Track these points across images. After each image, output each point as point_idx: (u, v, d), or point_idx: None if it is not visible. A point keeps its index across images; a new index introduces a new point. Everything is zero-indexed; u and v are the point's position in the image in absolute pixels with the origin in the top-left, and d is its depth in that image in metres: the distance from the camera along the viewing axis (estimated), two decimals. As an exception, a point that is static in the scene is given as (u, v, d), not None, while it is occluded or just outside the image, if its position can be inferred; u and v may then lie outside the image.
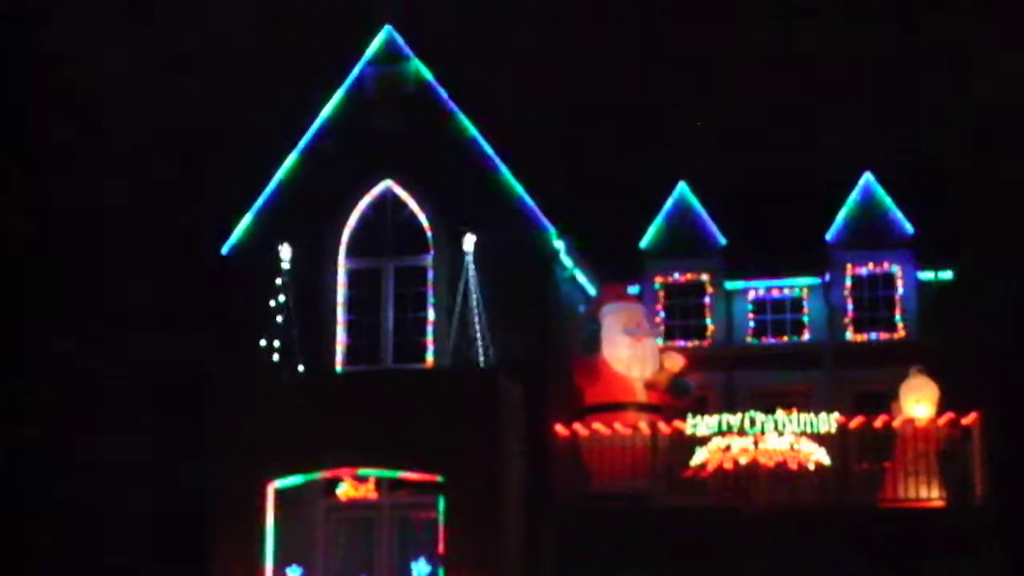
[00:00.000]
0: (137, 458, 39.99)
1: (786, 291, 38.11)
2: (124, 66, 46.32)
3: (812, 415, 30.06)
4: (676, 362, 33.63)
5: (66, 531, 38.85)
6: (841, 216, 37.86)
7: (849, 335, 37.22)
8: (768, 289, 38.15)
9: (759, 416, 30.06)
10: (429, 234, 32.32)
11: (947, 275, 37.40)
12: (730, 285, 38.11)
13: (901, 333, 36.97)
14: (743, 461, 29.71)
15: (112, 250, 42.51)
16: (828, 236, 37.71)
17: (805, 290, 38.00)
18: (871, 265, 37.41)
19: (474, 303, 30.89)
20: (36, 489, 38.20)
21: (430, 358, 31.86)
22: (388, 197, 32.79)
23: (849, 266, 37.48)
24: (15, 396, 36.81)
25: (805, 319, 37.89)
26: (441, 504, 29.59)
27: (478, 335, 30.68)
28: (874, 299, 37.34)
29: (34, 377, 38.40)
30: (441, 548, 29.41)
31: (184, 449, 36.48)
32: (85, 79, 43.02)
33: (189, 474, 34.73)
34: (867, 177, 38.02)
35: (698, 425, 30.41)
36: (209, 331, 34.82)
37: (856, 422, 30.02)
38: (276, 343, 31.33)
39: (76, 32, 43.69)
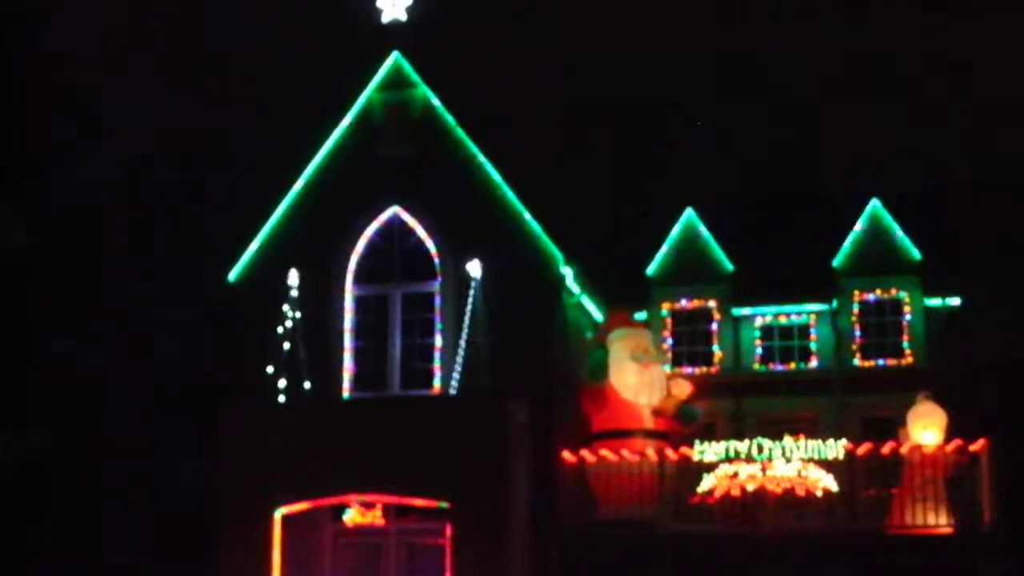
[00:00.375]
0: (145, 477, 40.17)
1: (793, 317, 38.08)
2: (128, 93, 46.48)
3: (820, 441, 30.01)
4: (683, 389, 33.54)
5: (67, 532, 39.03)
6: (848, 242, 37.86)
7: (856, 361, 37.21)
8: (775, 315, 38.12)
9: (766, 443, 30.03)
10: (436, 260, 32.33)
11: (954, 301, 37.36)
12: (737, 311, 38.11)
13: (908, 359, 36.94)
14: (750, 488, 29.68)
15: (119, 271, 42.62)
16: (835, 262, 37.71)
17: (812, 316, 37.97)
18: (878, 291, 37.40)
19: (481, 329, 30.88)
20: (37, 492, 38.43)
21: (437, 384, 31.86)
22: (395, 223, 32.83)
23: (856, 292, 37.48)
24: (21, 404, 37.09)
25: (813, 345, 37.85)
26: (448, 530, 29.57)
27: (485, 361, 30.66)
28: (881, 325, 37.33)
29: (41, 391, 38.75)
30: (448, 574, 29.38)
31: (190, 466, 36.65)
32: (87, 117, 43.15)
33: (192, 490, 34.87)
34: (874, 203, 38.02)
35: (705, 452, 30.37)
36: (217, 356, 34.83)
37: (864, 448, 29.97)
38: (283, 369, 31.34)
39: (76, 34, 43.79)
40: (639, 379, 32.47)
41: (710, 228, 38.64)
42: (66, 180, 41.56)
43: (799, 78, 55.75)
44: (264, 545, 29.92)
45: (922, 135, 51.32)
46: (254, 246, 32.95)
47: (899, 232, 37.69)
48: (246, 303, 32.59)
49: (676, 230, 38.77)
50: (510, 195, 32.22)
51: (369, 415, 30.65)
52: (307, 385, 31.41)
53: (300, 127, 35.14)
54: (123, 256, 42.90)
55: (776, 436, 30.28)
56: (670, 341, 37.98)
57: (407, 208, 32.67)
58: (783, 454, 29.82)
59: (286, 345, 31.48)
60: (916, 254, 37.45)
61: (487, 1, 50.62)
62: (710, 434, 33.54)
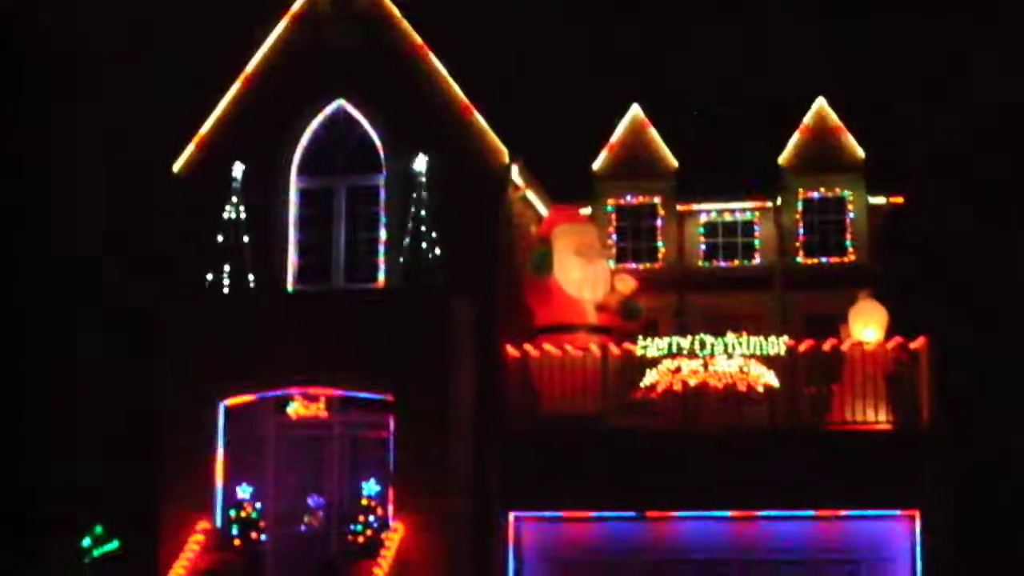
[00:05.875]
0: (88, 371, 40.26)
1: (738, 214, 38.18)
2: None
3: (761, 338, 30.19)
4: (627, 284, 33.71)
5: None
6: (793, 140, 37.91)
7: (799, 259, 37.36)
8: (720, 212, 38.22)
9: (709, 338, 30.18)
10: (382, 154, 32.20)
11: (897, 200, 37.56)
12: (682, 208, 38.16)
13: (851, 257, 37.14)
14: (692, 383, 29.88)
15: (67, 166, 42.48)
16: (780, 160, 37.78)
17: (757, 213, 38.09)
18: (822, 189, 37.51)
19: (426, 223, 30.81)
20: None
21: (382, 278, 31.84)
22: (340, 116, 32.63)
23: (800, 190, 37.57)
24: None
25: (756, 243, 37.99)
26: (391, 423, 29.69)
27: (430, 255, 30.62)
28: (825, 223, 37.47)
29: None
30: (391, 467, 29.52)
31: (133, 359, 36.70)
32: None
33: (137, 384, 34.91)
34: (819, 101, 38.05)
35: (648, 347, 30.50)
36: (159, 249, 34.72)
37: (805, 345, 30.19)
38: (227, 261, 31.24)
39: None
40: (583, 274, 32.57)
41: (656, 124, 38.58)
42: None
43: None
44: (208, 436, 30.03)
45: (871, 35, 51.25)
46: (198, 137, 32.71)
47: (844, 130, 37.76)
48: (189, 194, 32.40)
49: (622, 126, 38.70)
50: (456, 88, 32.08)
51: (313, 308, 30.67)
52: (251, 277, 31.33)
53: (245, 18, 34.78)
54: (68, 152, 42.72)
55: (719, 332, 30.44)
56: (614, 236, 38.04)
57: (352, 101, 32.46)
58: (725, 350, 30.00)
59: (230, 237, 31.35)
60: (860, 152, 37.55)
61: None
62: (653, 330, 33.71)
